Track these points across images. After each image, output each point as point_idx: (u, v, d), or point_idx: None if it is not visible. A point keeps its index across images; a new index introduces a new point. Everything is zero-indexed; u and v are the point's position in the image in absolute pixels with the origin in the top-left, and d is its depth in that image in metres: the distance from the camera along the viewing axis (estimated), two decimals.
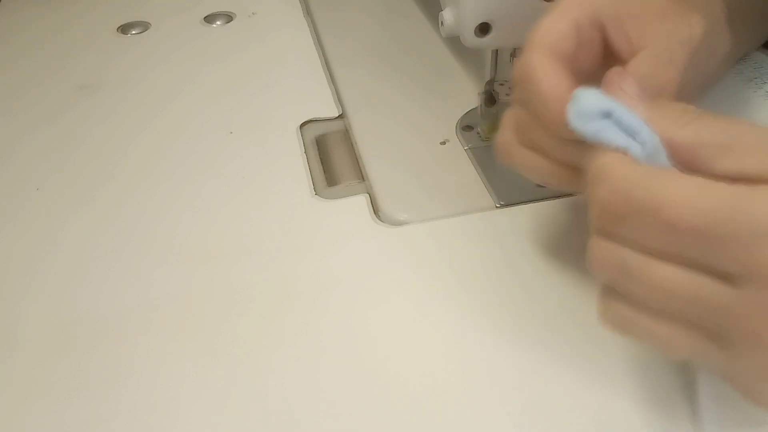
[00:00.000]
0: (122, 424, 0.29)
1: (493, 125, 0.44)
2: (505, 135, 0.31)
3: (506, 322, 0.32)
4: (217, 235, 0.38)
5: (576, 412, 0.28)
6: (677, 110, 0.24)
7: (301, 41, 0.57)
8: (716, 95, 0.40)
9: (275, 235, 0.38)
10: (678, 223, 0.21)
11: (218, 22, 0.61)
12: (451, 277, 0.34)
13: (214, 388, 0.30)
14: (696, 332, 0.23)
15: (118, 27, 0.61)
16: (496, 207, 0.39)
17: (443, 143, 0.43)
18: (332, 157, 0.45)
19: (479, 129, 0.44)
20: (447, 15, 0.38)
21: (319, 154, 0.45)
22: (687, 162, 0.23)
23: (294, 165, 0.43)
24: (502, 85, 0.44)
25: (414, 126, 0.45)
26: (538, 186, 0.38)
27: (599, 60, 0.30)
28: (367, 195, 0.40)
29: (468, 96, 0.47)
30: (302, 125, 0.47)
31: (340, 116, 0.48)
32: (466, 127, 0.44)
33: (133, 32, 0.60)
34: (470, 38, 0.38)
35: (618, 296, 0.24)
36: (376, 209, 0.39)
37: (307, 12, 0.62)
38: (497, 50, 0.40)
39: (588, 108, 0.25)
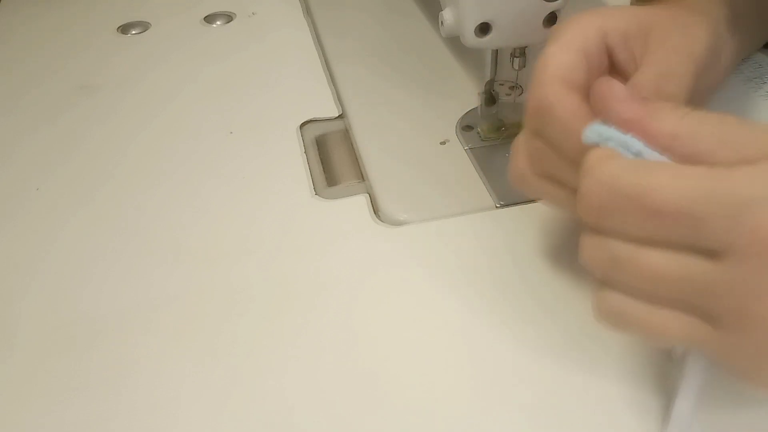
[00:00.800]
0: (122, 424, 0.29)
1: (493, 125, 0.44)
2: (520, 165, 0.31)
3: (506, 322, 0.32)
4: (217, 235, 0.38)
5: (579, 409, 0.28)
6: (669, 105, 0.24)
7: (301, 41, 0.57)
8: (716, 95, 0.40)
9: (275, 235, 0.38)
10: (661, 207, 0.22)
11: (218, 22, 0.61)
12: (451, 277, 0.34)
13: (214, 388, 0.30)
14: (688, 316, 0.23)
15: (118, 27, 0.61)
16: (496, 207, 0.39)
17: (443, 143, 0.43)
18: (332, 157, 0.45)
19: (479, 129, 0.44)
20: (447, 15, 0.38)
21: (319, 154, 0.45)
22: (687, 156, 0.23)
23: (294, 165, 0.43)
24: (502, 85, 0.44)
25: (414, 126, 0.45)
26: None
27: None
28: (367, 195, 0.40)
29: (468, 96, 0.47)
30: (302, 125, 0.47)
31: (340, 116, 0.48)
32: (466, 127, 0.44)
33: (133, 32, 0.60)
34: (470, 38, 0.38)
35: (611, 289, 0.25)
36: (376, 209, 0.39)
37: (307, 12, 0.62)
38: (497, 50, 0.40)
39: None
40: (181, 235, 0.38)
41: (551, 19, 0.37)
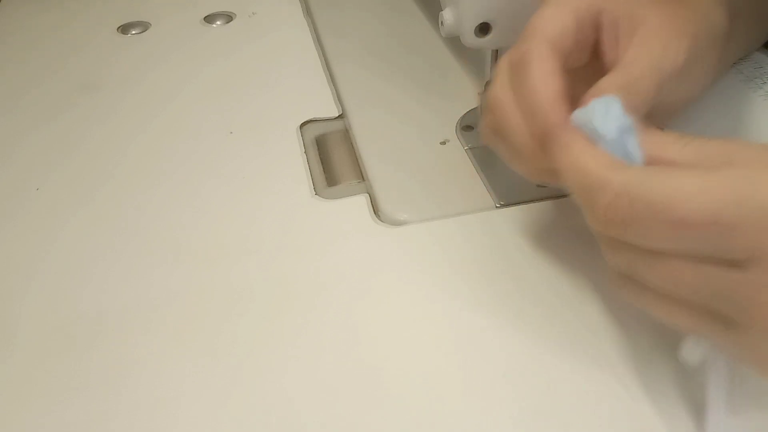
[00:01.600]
0: (122, 424, 0.29)
1: None
2: (488, 119, 0.31)
3: (506, 322, 0.32)
4: (217, 235, 0.38)
5: (579, 408, 0.28)
6: (672, 135, 0.24)
7: (301, 41, 0.57)
8: (716, 95, 0.40)
9: (275, 235, 0.38)
10: (688, 217, 0.21)
11: (218, 22, 0.61)
12: (451, 277, 0.34)
13: (215, 388, 0.30)
14: (705, 315, 0.23)
15: (118, 27, 0.61)
16: (496, 207, 0.39)
17: (443, 143, 0.43)
18: (332, 157, 0.45)
19: (479, 129, 0.44)
20: (447, 15, 0.38)
21: (319, 154, 0.45)
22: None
23: (294, 165, 0.43)
24: None
25: (414, 126, 0.45)
26: (539, 186, 0.38)
27: (585, 58, 0.30)
28: (367, 195, 0.40)
29: (468, 96, 0.47)
30: (302, 125, 0.47)
31: (340, 116, 0.48)
32: (466, 127, 0.44)
33: (133, 32, 0.60)
34: (470, 38, 0.38)
35: (630, 279, 0.25)
36: (376, 209, 0.39)
37: (307, 12, 0.62)
38: (497, 50, 0.40)
39: (614, 118, 0.25)
40: (181, 235, 0.38)
41: None
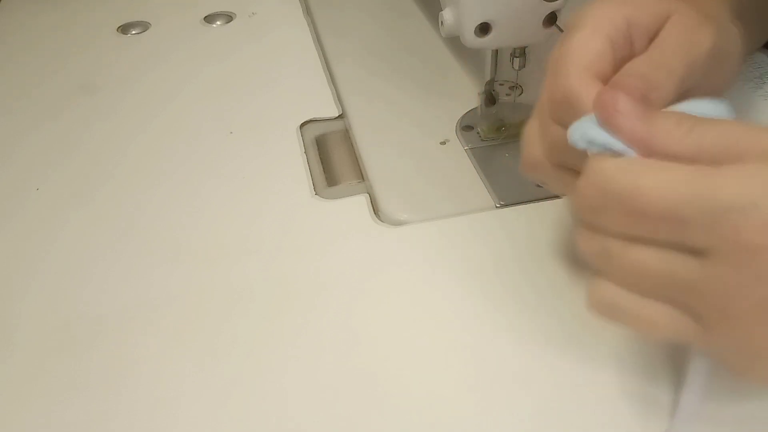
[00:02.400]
0: (122, 424, 0.29)
1: (493, 125, 0.44)
2: (535, 153, 0.30)
3: (507, 322, 0.32)
4: (217, 235, 0.38)
5: (581, 407, 0.28)
6: (672, 121, 0.24)
7: (301, 41, 0.57)
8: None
9: (275, 235, 0.38)
10: (647, 209, 0.23)
11: (218, 22, 0.61)
12: (451, 277, 0.34)
13: (214, 388, 0.30)
14: (675, 312, 0.24)
15: (118, 27, 0.61)
16: (496, 207, 0.39)
17: (443, 143, 0.43)
18: (332, 157, 0.45)
19: (479, 129, 0.44)
20: (447, 15, 0.38)
21: (319, 154, 0.45)
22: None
23: (294, 165, 0.43)
24: (502, 85, 0.44)
25: (414, 126, 0.45)
26: (538, 186, 0.38)
27: None
28: (367, 195, 0.40)
29: (468, 96, 0.47)
30: (302, 125, 0.47)
31: (340, 116, 0.48)
32: (466, 127, 0.44)
33: (133, 32, 0.60)
34: (470, 38, 0.38)
35: (604, 282, 0.25)
36: (376, 209, 0.39)
37: (307, 12, 0.62)
38: (497, 50, 0.40)
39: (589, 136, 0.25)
40: (181, 235, 0.38)
41: (551, 19, 0.37)
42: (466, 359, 0.30)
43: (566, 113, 0.28)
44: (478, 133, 0.44)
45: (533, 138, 0.30)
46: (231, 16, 0.62)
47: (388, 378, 0.30)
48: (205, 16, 0.62)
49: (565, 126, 0.28)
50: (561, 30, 0.35)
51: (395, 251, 0.36)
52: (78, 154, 0.45)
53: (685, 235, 0.23)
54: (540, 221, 0.37)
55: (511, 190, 0.39)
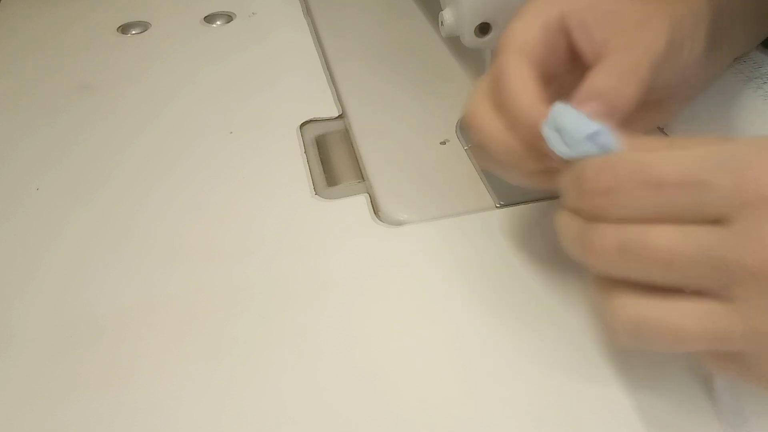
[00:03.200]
0: (122, 424, 0.29)
1: None
2: (477, 100, 0.31)
3: (507, 322, 0.32)
4: (218, 235, 0.38)
5: (579, 410, 0.28)
6: (651, 142, 0.25)
7: (301, 41, 0.57)
8: (716, 95, 0.40)
9: (275, 235, 0.38)
10: (665, 178, 0.23)
11: (218, 22, 0.61)
12: (451, 277, 0.34)
13: (214, 388, 0.30)
14: (704, 303, 0.22)
15: (118, 27, 0.61)
16: (496, 207, 0.39)
17: (443, 143, 0.43)
18: (332, 157, 0.45)
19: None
20: (447, 15, 0.38)
21: (319, 154, 0.45)
22: None
23: (294, 165, 0.43)
24: None
25: (414, 126, 0.45)
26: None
27: (565, 64, 0.31)
28: (367, 195, 0.40)
29: (468, 96, 0.47)
30: (302, 125, 0.47)
31: (340, 116, 0.48)
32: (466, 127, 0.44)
33: (133, 32, 0.60)
34: (470, 38, 0.38)
35: (623, 289, 0.24)
36: (376, 209, 0.39)
37: (307, 12, 0.62)
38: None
39: (575, 134, 0.26)
40: (181, 235, 0.38)
41: None
42: (466, 360, 0.30)
43: (495, 88, 0.30)
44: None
45: (478, 91, 0.31)
46: (231, 16, 0.62)
47: (387, 378, 0.30)
48: (205, 16, 0.62)
49: (499, 103, 0.30)
50: None
51: (395, 251, 0.36)
52: (78, 154, 0.45)
53: (707, 200, 0.22)
54: (540, 221, 0.37)
55: (511, 190, 0.39)
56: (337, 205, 0.40)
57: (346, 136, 0.47)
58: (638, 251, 0.23)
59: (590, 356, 0.30)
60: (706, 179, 0.22)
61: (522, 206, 0.38)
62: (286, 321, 0.33)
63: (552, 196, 0.38)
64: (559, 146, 0.26)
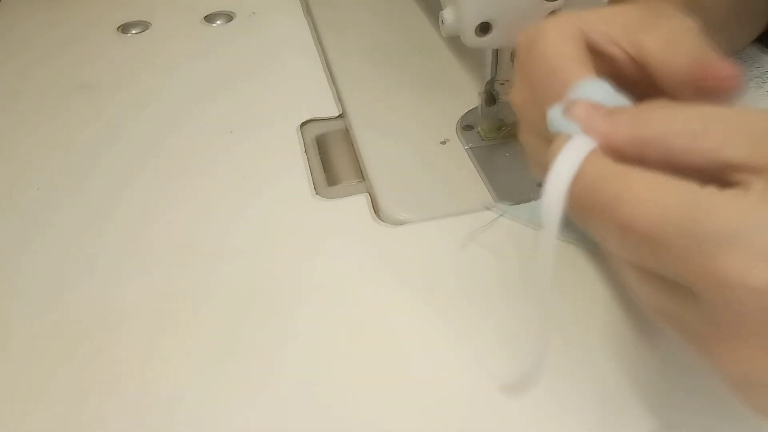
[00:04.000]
0: (121, 424, 0.29)
1: (494, 125, 0.44)
2: (522, 92, 0.29)
3: (507, 322, 0.32)
4: (218, 234, 0.38)
5: (578, 408, 0.28)
6: (639, 108, 0.23)
7: (301, 41, 0.57)
8: None
9: (275, 235, 0.38)
10: (632, 223, 0.20)
11: (218, 22, 0.61)
12: (451, 277, 0.34)
13: (214, 388, 0.30)
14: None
15: (118, 26, 0.61)
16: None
17: (443, 143, 0.43)
18: (332, 157, 0.45)
19: (479, 128, 0.44)
20: (447, 14, 0.38)
21: (320, 154, 0.45)
22: (661, 158, 0.21)
23: (294, 165, 0.43)
24: (502, 84, 0.44)
25: (414, 125, 0.45)
26: (539, 185, 0.38)
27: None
28: (367, 195, 0.40)
29: (468, 96, 0.47)
30: (302, 125, 0.47)
31: (341, 116, 0.48)
32: (466, 126, 0.44)
33: (133, 32, 0.60)
34: (470, 38, 0.37)
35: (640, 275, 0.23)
36: (376, 209, 0.39)
37: (308, 11, 0.62)
38: (497, 50, 0.40)
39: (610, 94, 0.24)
40: (181, 234, 0.38)
41: None
42: (466, 359, 0.30)
43: (529, 57, 0.27)
44: (478, 132, 0.44)
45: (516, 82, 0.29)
46: (231, 16, 0.62)
47: (387, 378, 0.30)
48: (205, 16, 0.62)
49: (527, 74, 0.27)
50: None
51: (395, 251, 0.36)
52: (77, 154, 0.45)
53: (671, 265, 0.20)
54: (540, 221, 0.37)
55: (511, 190, 0.39)
56: (337, 204, 0.40)
57: (347, 135, 0.47)
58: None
59: (591, 353, 0.30)
60: (673, 241, 0.19)
61: (522, 206, 0.38)
62: (286, 320, 0.33)
63: None
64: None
